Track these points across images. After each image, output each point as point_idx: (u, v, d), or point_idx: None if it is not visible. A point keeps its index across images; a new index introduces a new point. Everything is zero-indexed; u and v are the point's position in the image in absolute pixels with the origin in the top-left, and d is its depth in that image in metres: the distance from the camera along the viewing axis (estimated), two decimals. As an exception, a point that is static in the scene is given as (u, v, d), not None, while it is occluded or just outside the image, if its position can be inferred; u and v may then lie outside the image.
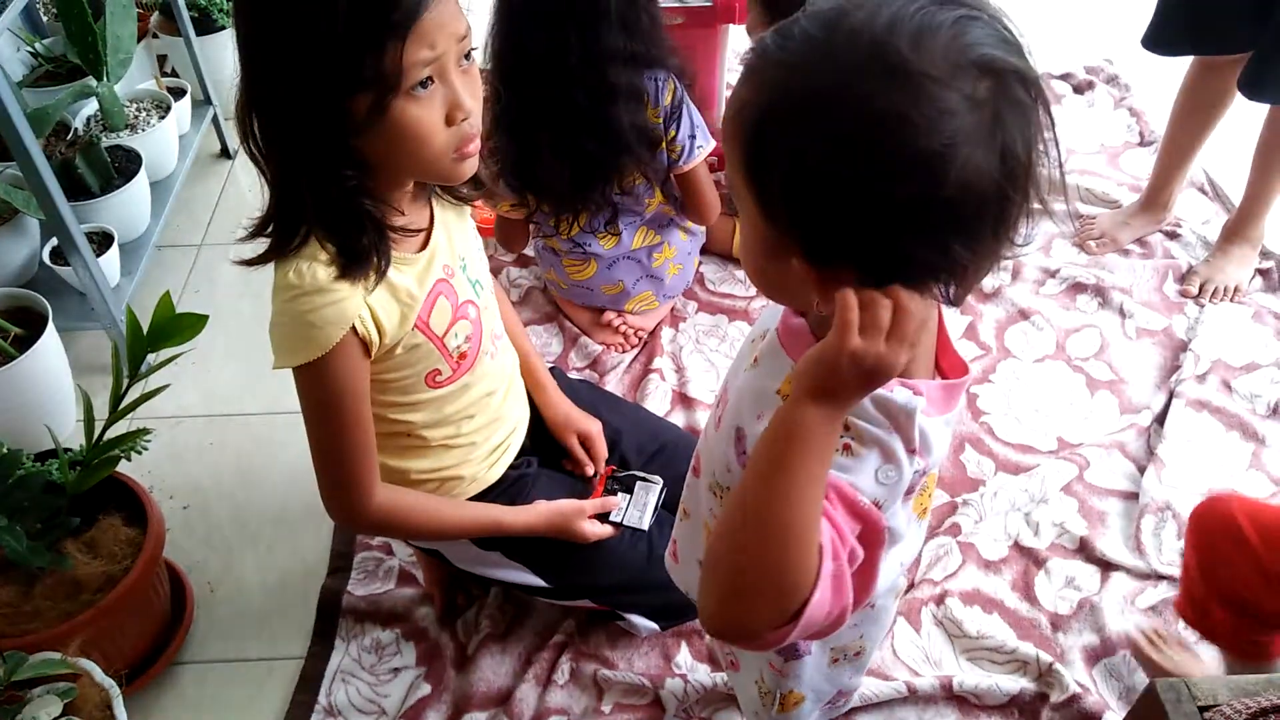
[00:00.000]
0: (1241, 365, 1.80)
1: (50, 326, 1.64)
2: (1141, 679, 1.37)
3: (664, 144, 1.64)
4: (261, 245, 0.97)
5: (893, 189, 0.58)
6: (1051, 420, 1.74)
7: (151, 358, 1.33)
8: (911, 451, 0.69)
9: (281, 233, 0.95)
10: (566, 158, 1.58)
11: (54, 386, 1.68)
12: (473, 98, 0.93)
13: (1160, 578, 1.48)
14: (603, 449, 1.38)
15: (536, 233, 1.83)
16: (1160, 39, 1.83)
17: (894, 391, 0.67)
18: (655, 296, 1.88)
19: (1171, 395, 1.74)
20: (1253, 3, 1.65)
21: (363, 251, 0.95)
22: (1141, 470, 1.63)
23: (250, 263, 0.98)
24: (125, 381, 1.31)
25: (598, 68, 1.51)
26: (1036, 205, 0.63)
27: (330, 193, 0.92)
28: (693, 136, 1.66)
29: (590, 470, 1.36)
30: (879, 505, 0.68)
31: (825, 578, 0.62)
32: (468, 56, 0.93)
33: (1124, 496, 1.60)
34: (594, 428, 1.38)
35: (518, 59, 1.52)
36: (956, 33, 0.58)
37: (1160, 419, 1.72)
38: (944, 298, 0.66)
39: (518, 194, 1.66)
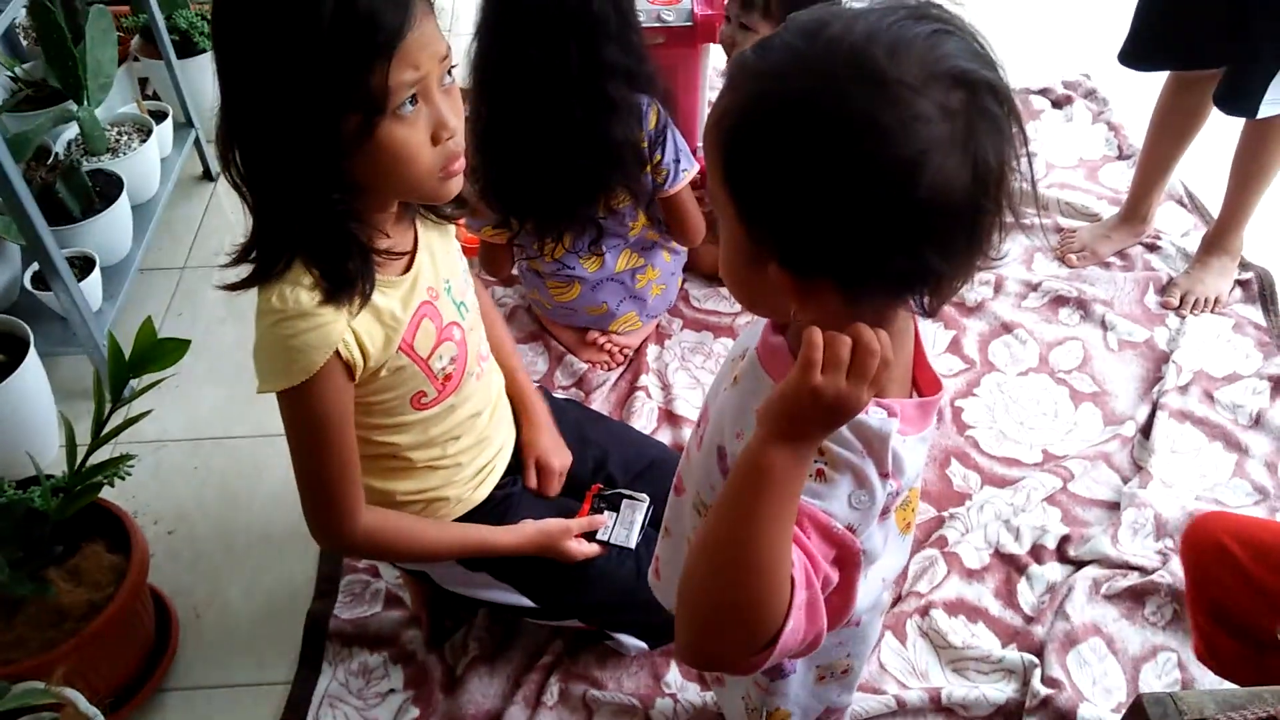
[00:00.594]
0: (1223, 376, 1.82)
1: (32, 352, 1.63)
2: (1111, 666, 1.40)
3: (649, 167, 1.65)
4: (245, 269, 0.97)
5: (866, 194, 0.59)
6: (1036, 433, 1.75)
7: (134, 383, 1.32)
8: (885, 475, 0.69)
9: (265, 258, 0.95)
10: (555, 174, 1.57)
11: (35, 412, 1.67)
12: (456, 116, 0.94)
13: (1131, 568, 1.50)
14: (554, 486, 1.35)
15: (520, 254, 1.83)
16: (1136, 54, 1.86)
17: (869, 414, 0.67)
18: (639, 317, 1.88)
19: (1155, 406, 1.75)
20: (1225, 19, 1.67)
21: (348, 276, 0.95)
22: (1126, 481, 1.65)
23: (233, 287, 0.98)
24: (108, 407, 1.30)
25: (596, 81, 1.51)
26: (1010, 218, 0.64)
27: (316, 217, 0.92)
28: (677, 160, 1.67)
29: (532, 482, 1.35)
30: (853, 529, 0.68)
31: (798, 607, 0.63)
32: (449, 75, 0.94)
33: (1108, 506, 1.61)
34: (558, 460, 1.35)
35: (511, 73, 1.50)
36: (931, 45, 0.59)
37: (1144, 430, 1.73)
38: (919, 309, 0.67)
39: (500, 214, 1.66)
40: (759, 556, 0.61)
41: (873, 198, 0.58)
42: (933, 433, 0.79)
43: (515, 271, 1.97)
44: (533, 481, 1.34)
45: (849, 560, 0.68)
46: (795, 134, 0.60)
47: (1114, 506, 1.61)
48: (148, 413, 1.36)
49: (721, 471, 0.80)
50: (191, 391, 1.84)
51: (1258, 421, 1.73)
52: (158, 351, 1.30)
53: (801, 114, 0.60)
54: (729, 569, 0.62)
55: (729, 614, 0.63)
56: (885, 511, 0.74)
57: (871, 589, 0.84)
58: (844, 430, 0.67)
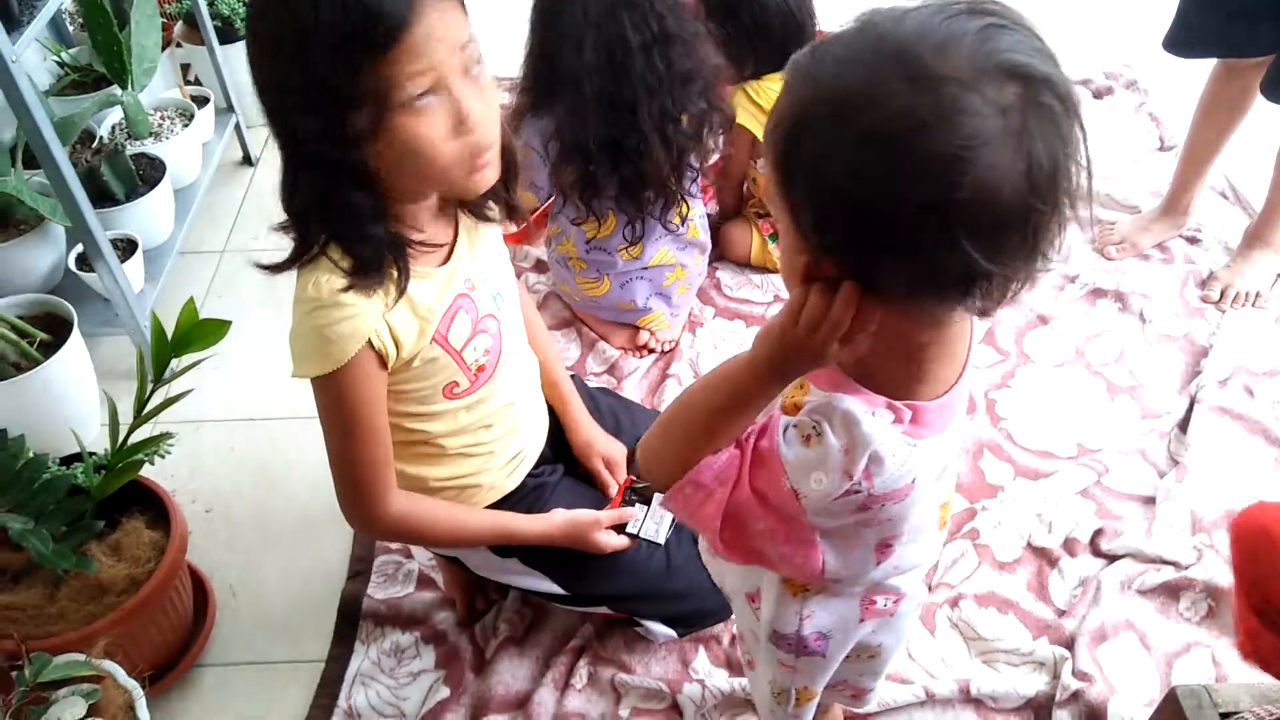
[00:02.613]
0: (1263, 371, 1.79)
1: (75, 332, 1.66)
2: (1143, 661, 1.38)
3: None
4: (286, 246, 0.98)
5: (907, 193, 0.58)
6: (1071, 426, 1.73)
7: (175, 363, 1.34)
8: (848, 475, 0.70)
9: (300, 240, 0.96)
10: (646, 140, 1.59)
11: (79, 391, 1.70)
12: (483, 106, 0.92)
13: (1165, 563, 1.48)
14: (624, 472, 1.38)
15: (552, 243, 1.84)
16: (1181, 41, 1.83)
17: (872, 414, 0.69)
18: (665, 315, 1.89)
19: (1193, 401, 1.73)
20: (1274, 5, 1.64)
21: (375, 267, 0.95)
22: (1162, 475, 1.63)
23: (270, 269, 0.99)
24: (149, 387, 1.32)
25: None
26: (1069, 217, 0.62)
27: (341, 208, 0.93)
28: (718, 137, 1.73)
29: (614, 490, 1.36)
30: (798, 495, 0.72)
31: (713, 467, 0.76)
32: (477, 64, 0.92)
33: (1143, 501, 1.60)
34: (618, 452, 1.38)
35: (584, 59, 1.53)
36: (983, 39, 0.58)
37: (1182, 424, 1.71)
38: (975, 309, 0.65)
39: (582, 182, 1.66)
40: (709, 426, 0.76)
41: (915, 195, 0.58)
42: (959, 429, 0.78)
43: (545, 257, 1.98)
44: (605, 477, 1.36)
45: (788, 515, 0.75)
46: (840, 131, 0.59)
47: (1149, 501, 1.59)
48: (188, 392, 1.39)
49: None
50: (230, 373, 1.87)
51: (1299, 418, 1.71)
52: (199, 332, 1.31)
53: (847, 111, 0.59)
54: (687, 422, 0.78)
55: (680, 448, 0.77)
56: (867, 509, 0.74)
57: (913, 583, 0.85)
58: (838, 420, 0.69)
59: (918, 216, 0.58)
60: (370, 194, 0.93)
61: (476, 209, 1.10)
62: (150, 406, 1.32)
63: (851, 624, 0.91)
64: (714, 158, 1.77)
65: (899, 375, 0.72)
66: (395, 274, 0.98)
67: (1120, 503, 1.60)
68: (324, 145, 0.88)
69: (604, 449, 1.38)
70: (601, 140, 1.57)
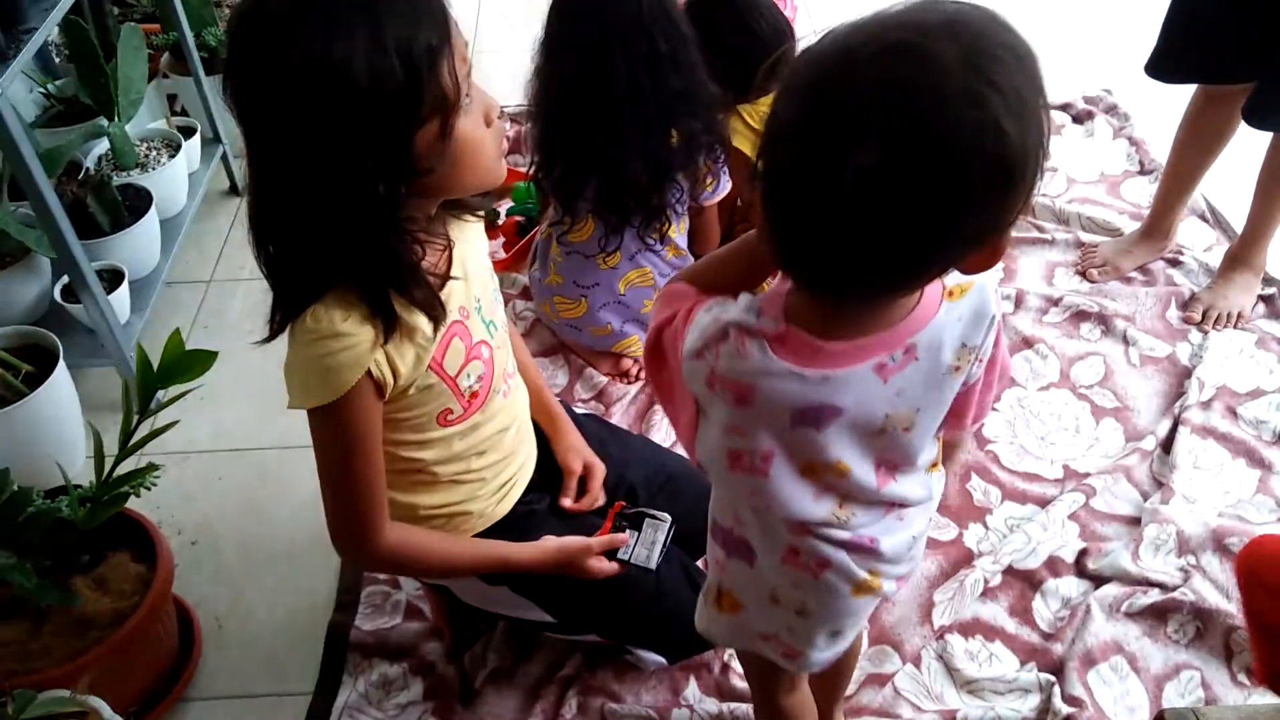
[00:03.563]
0: (1246, 392, 1.81)
1: (61, 364, 1.66)
2: (1133, 684, 1.38)
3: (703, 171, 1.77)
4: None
5: (807, 134, 0.64)
6: (1057, 448, 1.74)
7: (161, 394, 1.34)
8: (705, 345, 0.78)
9: (296, 293, 0.96)
10: (629, 153, 1.65)
11: (64, 423, 1.69)
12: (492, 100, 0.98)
13: (1151, 584, 1.48)
14: (597, 489, 1.36)
15: (533, 261, 1.86)
16: (1163, 66, 1.84)
17: (747, 308, 0.77)
18: (643, 340, 1.89)
19: (1177, 422, 1.74)
20: (1256, 31, 1.65)
21: (420, 302, 0.97)
22: (1146, 497, 1.64)
23: (270, 338, 0.99)
24: (135, 418, 1.32)
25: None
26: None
27: (390, 244, 0.93)
28: (719, 177, 1.79)
29: (569, 502, 1.35)
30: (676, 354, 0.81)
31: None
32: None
33: (1128, 522, 1.61)
34: (598, 464, 1.38)
35: (583, 82, 1.62)
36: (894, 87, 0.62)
37: (1166, 446, 1.72)
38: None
39: (564, 191, 1.72)
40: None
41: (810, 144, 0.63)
42: (854, 411, 0.79)
43: (528, 282, 2.00)
44: (572, 484, 1.35)
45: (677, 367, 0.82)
46: (789, 81, 0.66)
47: (1135, 522, 1.60)
48: (174, 424, 1.38)
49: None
50: (217, 403, 1.86)
51: (1282, 438, 1.72)
52: (186, 363, 1.31)
53: (802, 68, 0.65)
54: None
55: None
56: (711, 386, 0.80)
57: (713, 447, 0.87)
58: (730, 303, 0.78)
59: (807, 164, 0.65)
60: (406, 227, 0.94)
61: (467, 204, 1.10)
62: (136, 438, 1.31)
63: (772, 558, 0.91)
64: (718, 191, 1.81)
65: (806, 311, 0.76)
66: (433, 305, 1.00)
67: (1105, 524, 1.60)
68: (385, 175, 0.87)
69: (587, 457, 1.37)
70: (579, 143, 1.65)
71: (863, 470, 0.83)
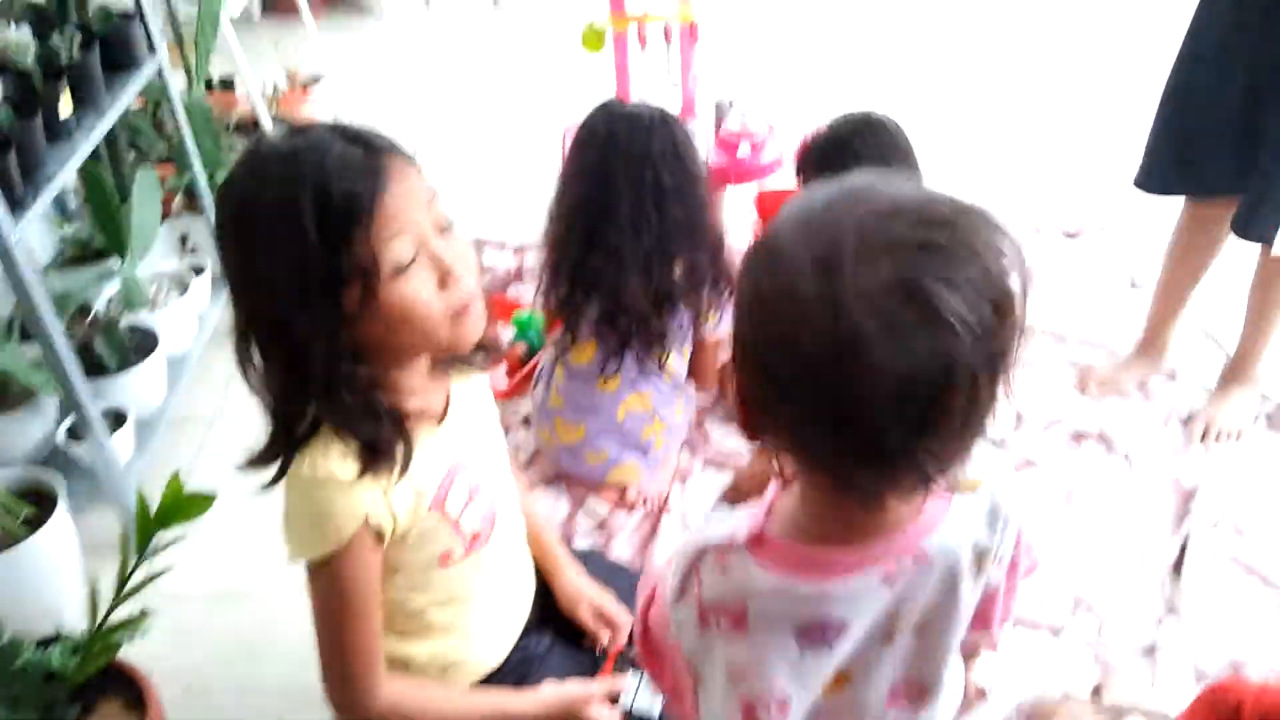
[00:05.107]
0: (1252, 508, 1.79)
1: (60, 507, 1.65)
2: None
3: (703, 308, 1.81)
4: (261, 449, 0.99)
5: (785, 369, 0.63)
6: (1065, 573, 1.71)
7: (160, 536, 1.33)
8: (684, 577, 0.75)
9: (287, 434, 0.97)
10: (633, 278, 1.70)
11: (62, 567, 1.68)
12: (460, 260, 0.94)
13: (1168, 715, 1.43)
14: (620, 617, 1.34)
15: (535, 384, 1.89)
16: (1152, 178, 1.88)
17: (721, 520, 0.74)
18: (640, 467, 1.90)
19: (1184, 543, 1.72)
20: (1240, 148, 1.70)
21: (384, 447, 0.96)
22: (1159, 623, 1.60)
23: (270, 484, 0.99)
24: (132, 563, 1.31)
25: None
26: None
27: (338, 395, 0.93)
28: (723, 312, 1.82)
29: (604, 643, 1.33)
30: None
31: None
32: (447, 219, 0.95)
33: (1143, 652, 1.57)
34: (609, 600, 1.35)
35: (592, 212, 1.69)
36: (912, 260, 0.60)
37: (1175, 567, 1.69)
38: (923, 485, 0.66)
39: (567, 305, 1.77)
40: None
41: (795, 376, 0.62)
42: (874, 589, 0.73)
43: (529, 410, 2.01)
44: (593, 627, 1.32)
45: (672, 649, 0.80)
46: (752, 288, 0.65)
47: (1149, 651, 1.56)
48: (169, 569, 1.37)
49: None
50: (216, 545, 1.85)
51: (1293, 557, 1.69)
52: (184, 506, 1.31)
53: (765, 273, 0.64)
54: None
55: None
56: (705, 623, 0.76)
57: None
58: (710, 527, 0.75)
59: (795, 392, 0.63)
60: (369, 366, 0.95)
61: (463, 359, 1.11)
62: (132, 584, 1.31)
63: None
64: (720, 325, 1.85)
65: (799, 517, 0.74)
66: (396, 450, 0.97)
67: (1118, 653, 1.56)
68: (319, 330, 0.90)
69: (593, 599, 1.34)
70: (582, 263, 1.71)
71: (876, 693, 0.78)
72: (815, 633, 0.73)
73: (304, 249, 0.86)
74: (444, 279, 0.93)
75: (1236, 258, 1.89)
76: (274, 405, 0.97)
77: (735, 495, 1.71)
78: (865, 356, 0.58)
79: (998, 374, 0.62)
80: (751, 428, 0.70)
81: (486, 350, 1.11)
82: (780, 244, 0.64)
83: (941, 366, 0.59)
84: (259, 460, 0.99)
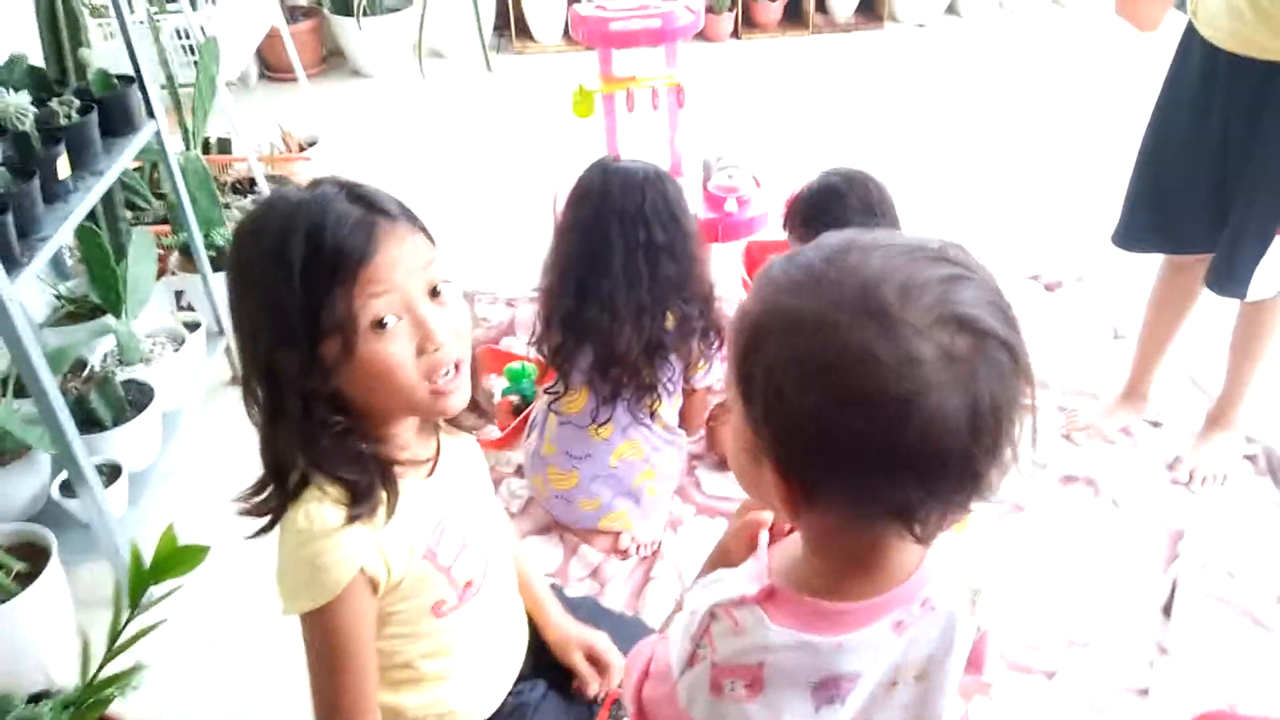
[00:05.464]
0: (1240, 551, 1.80)
1: (53, 561, 1.65)
2: None
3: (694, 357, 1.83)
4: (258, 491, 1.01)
5: (852, 422, 0.61)
6: (1056, 617, 1.72)
7: (154, 589, 1.34)
8: (694, 639, 0.74)
9: (280, 486, 0.99)
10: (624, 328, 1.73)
11: (54, 621, 1.67)
12: (445, 326, 0.95)
13: None
14: (613, 659, 1.34)
15: (529, 433, 1.90)
16: (1129, 237, 1.94)
17: (732, 581, 0.73)
18: (632, 514, 1.91)
19: (1174, 585, 1.73)
20: (1210, 207, 1.75)
21: (368, 491, 0.97)
22: (1151, 665, 1.60)
23: (264, 530, 1.01)
24: (125, 617, 1.31)
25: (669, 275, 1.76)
26: (1010, 462, 0.65)
27: (319, 439, 0.95)
28: (711, 361, 1.85)
29: (594, 689, 1.33)
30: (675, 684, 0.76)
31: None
32: (443, 283, 0.97)
33: (1137, 693, 1.57)
34: (599, 640, 1.35)
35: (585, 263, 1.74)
36: (945, 289, 0.62)
37: (1165, 609, 1.70)
38: (912, 535, 0.67)
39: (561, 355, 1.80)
40: None
41: (858, 427, 0.61)
42: (868, 652, 0.73)
43: (522, 460, 2.02)
44: (586, 671, 1.31)
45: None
46: (796, 352, 0.63)
47: (1143, 693, 1.56)
48: (162, 623, 1.37)
49: None
50: (209, 597, 1.84)
51: (1281, 598, 1.71)
52: (177, 559, 1.31)
53: (802, 331, 0.63)
54: None
55: None
56: (719, 687, 0.74)
57: None
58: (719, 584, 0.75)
59: (859, 447, 0.61)
60: (350, 417, 0.97)
61: (454, 420, 1.13)
62: (124, 639, 1.30)
63: None
64: (709, 374, 1.88)
65: (805, 571, 0.73)
66: (386, 496, 0.99)
67: (1111, 694, 1.57)
68: (299, 375, 0.92)
69: (582, 641, 1.34)
70: (575, 314, 1.75)
71: None
72: (830, 687, 0.73)
73: (289, 294, 0.90)
74: (421, 344, 0.94)
75: (1218, 304, 1.93)
76: (265, 453, 0.98)
77: (725, 559, 1.72)
78: (938, 390, 0.59)
79: (1034, 383, 0.65)
80: (797, 506, 0.68)
81: (477, 413, 1.13)
82: (802, 310, 0.64)
83: (1001, 383, 0.62)
84: (254, 510, 1.00)
